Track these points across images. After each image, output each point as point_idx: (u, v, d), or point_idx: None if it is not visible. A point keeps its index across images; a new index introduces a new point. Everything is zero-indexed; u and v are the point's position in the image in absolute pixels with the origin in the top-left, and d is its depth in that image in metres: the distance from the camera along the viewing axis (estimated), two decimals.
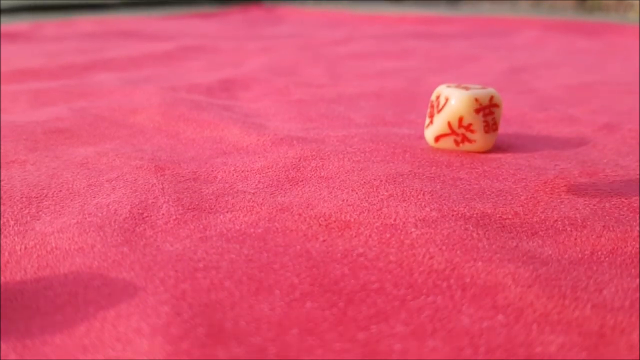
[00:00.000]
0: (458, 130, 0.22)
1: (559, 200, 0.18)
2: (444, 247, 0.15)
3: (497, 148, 0.24)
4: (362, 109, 0.30)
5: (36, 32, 0.67)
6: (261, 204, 0.18)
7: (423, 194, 0.18)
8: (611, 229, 0.16)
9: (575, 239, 0.16)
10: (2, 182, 0.20)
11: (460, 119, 0.22)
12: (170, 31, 0.71)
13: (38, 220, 0.17)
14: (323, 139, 0.24)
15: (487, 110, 0.22)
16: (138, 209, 0.17)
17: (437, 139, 0.23)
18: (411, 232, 0.16)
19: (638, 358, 0.11)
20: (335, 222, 0.16)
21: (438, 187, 0.19)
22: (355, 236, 0.16)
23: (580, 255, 0.15)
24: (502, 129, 0.28)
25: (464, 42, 0.64)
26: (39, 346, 0.11)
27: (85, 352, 0.11)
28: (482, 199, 0.18)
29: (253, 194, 0.18)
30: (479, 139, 0.22)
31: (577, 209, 0.17)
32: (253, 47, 0.55)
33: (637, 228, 0.16)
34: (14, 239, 0.16)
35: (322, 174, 0.20)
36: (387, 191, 0.18)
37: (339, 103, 0.32)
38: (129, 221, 0.16)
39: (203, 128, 0.26)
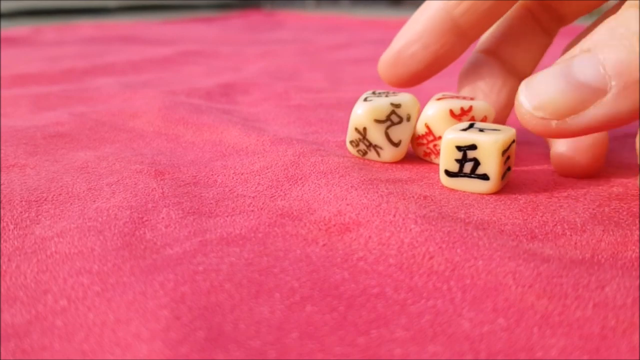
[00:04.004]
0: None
1: (558, 204, 0.18)
2: (444, 246, 0.15)
3: None
4: None
5: (36, 36, 0.67)
6: (261, 208, 0.18)
7: (423, 198, 0.18)
8: (611, 233, 0.16)
9: (575, 243, 0.16)
10: (1, 186, 0.20)
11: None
12: (170, 36, 0.71)
13: (38, 224, 0.17)
14: (322, 143, 0.24)
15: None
16: (138, 213, 0.17)
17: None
18: (411, 229, 0.16)
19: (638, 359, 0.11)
20: (335, 225, 0.16)
21: (437, 192, 0.19)
22: (355, 239, 0.16)
23: (580, 258, 0.15)
24: None
25: None
26: (38, 351, 0.11)
27: (85, 357, 0.11)
28: (480, 205, 0.18)
29: (253, 197, 0.18)
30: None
31: (576, 213, 0.17)
32: (252, 52, 0.55)
33: (637, 232, 0.16)
34: (14, 243, 0.16)
35: (322, 168, 0.20)
36: (387, 189, 0.18)
37: (339, 108, 0.32)
38: (129, 225, 0.16)
39: (203, 131, 0.26)
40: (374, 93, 0.22)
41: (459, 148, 0.18)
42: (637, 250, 0.15)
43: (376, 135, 0.21)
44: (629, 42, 0.15)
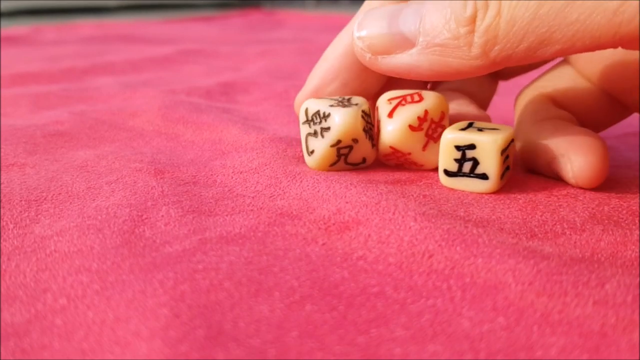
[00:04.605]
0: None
1: (557, 204, 0.18)
2: (443, 243, 0.15)
3: None
4: None
5: (36, 35, 0.67)
6: (260, 207, 0.18)
7: (423, 197, 0.18)
8: (611, 232, 0.16)
9: (575, 242, 0.16)
10: (1, 185, 0.20)
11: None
12: (169, 35, 0.71)
13: (37, 223, 0.17)
14: None
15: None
16: (137, 211, 0.17)
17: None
18: (410, 227, 0.15)
19: (639, 358, 0.11)
20: (334, 224, 0.16)
21: (436, 192, 0.19)
22: (355, 237, 0.16)
23: (580, 256, 0.15)
24: None
25: None
26: (37, 350, 0.11)
27: (84, 356, 0.11)
28: (479, 204, 0.18)
29: (252, 197, 0.18)
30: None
31: (575, 212, 0.17)
32: (252, 51, 0.55)
33: (637, 232, 0.16)
34: (13, 242, 0.16)
35: None
36: (386, 188, 0.18)
37: None
38: (128, 223, 0.16)
39: (202, 130, 0.26)
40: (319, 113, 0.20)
41: (457, 148, 0.18)
42: (637, 250, 0.15)
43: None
44: (442, 5, 0.16)
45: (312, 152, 0.20)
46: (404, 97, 0.20)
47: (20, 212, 0.18)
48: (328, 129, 0.19)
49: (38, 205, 0.18)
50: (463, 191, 0.19)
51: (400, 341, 0.11)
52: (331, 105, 0.19)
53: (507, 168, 0.19)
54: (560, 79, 0.22)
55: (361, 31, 0.18)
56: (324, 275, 0.14)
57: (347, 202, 0.17)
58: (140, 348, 0.11)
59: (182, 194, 0.19)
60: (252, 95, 0.36)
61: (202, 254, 0.15)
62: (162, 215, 0.17)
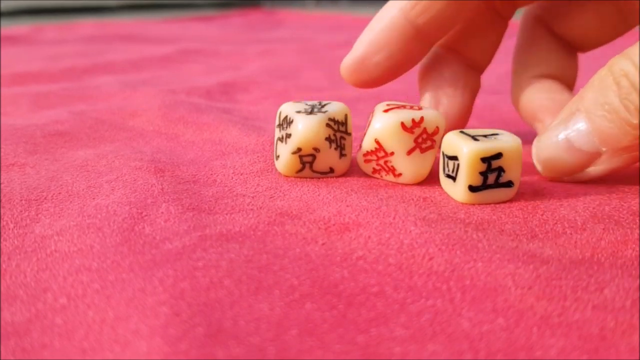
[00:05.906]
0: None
1: (558, 203, 0.18)
2: (443, 247, 0.15)
3: None
4: (362, 112, 0.30)
5: (36, 35, 0.67)
6: (260, 207, 0.18)
7: (423, 200, 0.18)
8: (611, 231, 0.16)
9: (576, 242, 0.16)
10: (1, 185, 0.20)
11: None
12: (170, 34, 0.71)
13: (37, 222, 0.17)
14: None
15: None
16: (137, 209, 0.17)
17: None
18: (410, 231, 0.16)
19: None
20: (334, 225, 0.16)
21: (436, 193, 0.19)
22: (355, 238, 0.16)
23: (580, 257, 0.15)
24: None
25: None
26: (38, 349, 0.11)
27: (84, 354, 0.11)
28: (480, 206, 0.18)
29: (252, 197, 0.18)
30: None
31: (576, 212, 0.17)
32: (253, 51, 0.55)
33: (638, 230, 0.16)
34: (14, 242, 0.16)
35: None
36: (386, 193, 0.18)
37: None
38: (128, 220, 0.16)
39: (202, 130, 0.26)
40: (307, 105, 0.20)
41: (483, 160, 0.17)
42: (637, 249, 0.15)
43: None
44: (610, 116, 0.17)
45: (278, 157, 0.20)
46: (403, 105, 0.19)
47: (21, 211, 0.18)
48: (290, 135, 0.19)
49: (38, 205, 0.18)
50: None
51: (399, 340, 0.11)
52: (298, 112, 0.19)
53: None
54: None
55: (543, 164, 0.20)
56: (323, 274, 0.14)
57: (347, 206, 0.17)
58: (140, 346, 0.11)
59: (182, 192, 0.19)
60: (252, 94, 0.36)
61: (202, 251, 0.15)
62: (162, 212, 0.17)
